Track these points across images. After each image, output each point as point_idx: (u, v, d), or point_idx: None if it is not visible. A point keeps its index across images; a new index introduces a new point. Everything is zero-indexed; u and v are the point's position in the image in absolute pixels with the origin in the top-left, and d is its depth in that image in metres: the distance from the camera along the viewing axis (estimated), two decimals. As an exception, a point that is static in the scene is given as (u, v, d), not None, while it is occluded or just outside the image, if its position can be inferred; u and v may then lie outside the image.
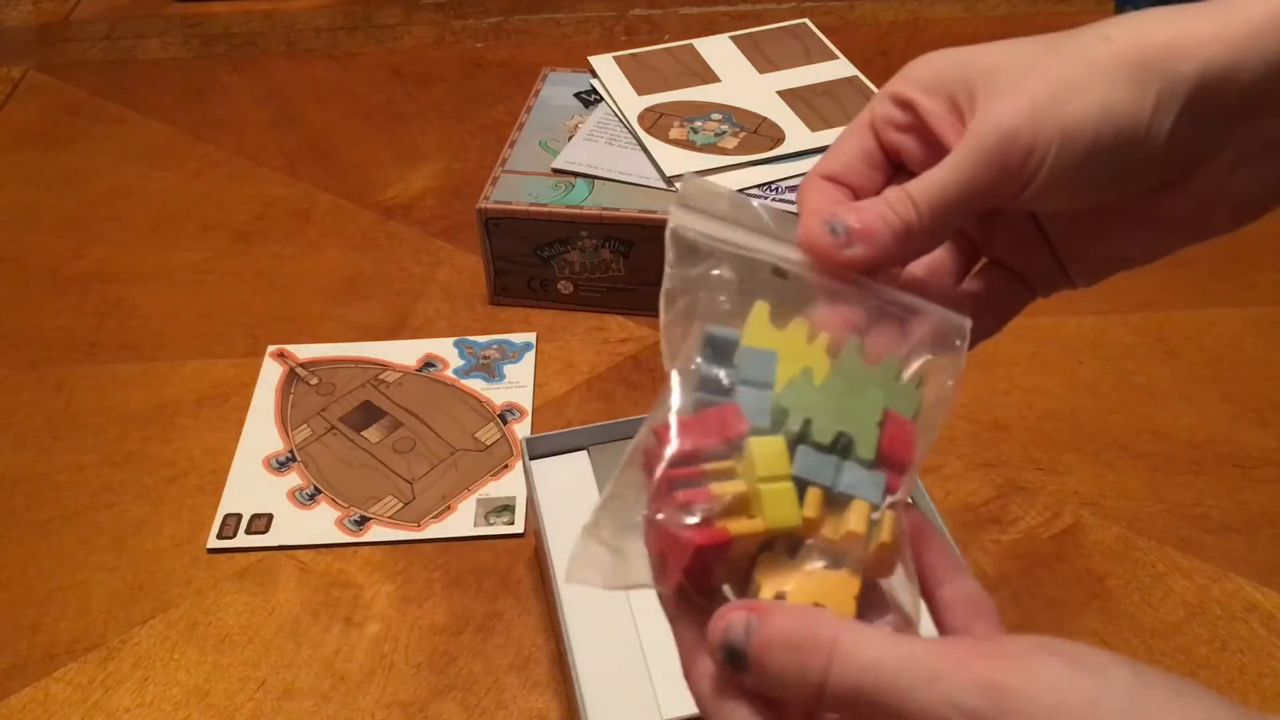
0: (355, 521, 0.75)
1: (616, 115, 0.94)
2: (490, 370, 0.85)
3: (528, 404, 0.82)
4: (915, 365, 0.38)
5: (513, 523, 0.74)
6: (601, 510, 0.36)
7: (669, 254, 0.39)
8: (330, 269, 0.95)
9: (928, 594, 0.38)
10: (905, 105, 0.40)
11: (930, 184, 0.38)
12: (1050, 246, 0.43)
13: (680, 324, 0.38)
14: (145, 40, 1.26)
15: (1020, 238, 0.43)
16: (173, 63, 1.22)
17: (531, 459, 0.67)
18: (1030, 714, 0.30)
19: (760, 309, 0.38)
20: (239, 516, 0.76)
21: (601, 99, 0.97)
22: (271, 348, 0.87)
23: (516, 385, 0.83)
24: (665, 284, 0.38)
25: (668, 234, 0.39)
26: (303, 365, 0.86)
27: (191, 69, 1.20)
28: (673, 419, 0.36)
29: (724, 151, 0.89)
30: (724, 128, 0.91)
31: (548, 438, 0.68)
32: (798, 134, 0.90)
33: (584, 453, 0.68)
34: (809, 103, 0.94)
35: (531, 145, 0.92)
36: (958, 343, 0.39)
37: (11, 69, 1.22)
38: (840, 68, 0.98)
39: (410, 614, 0.70)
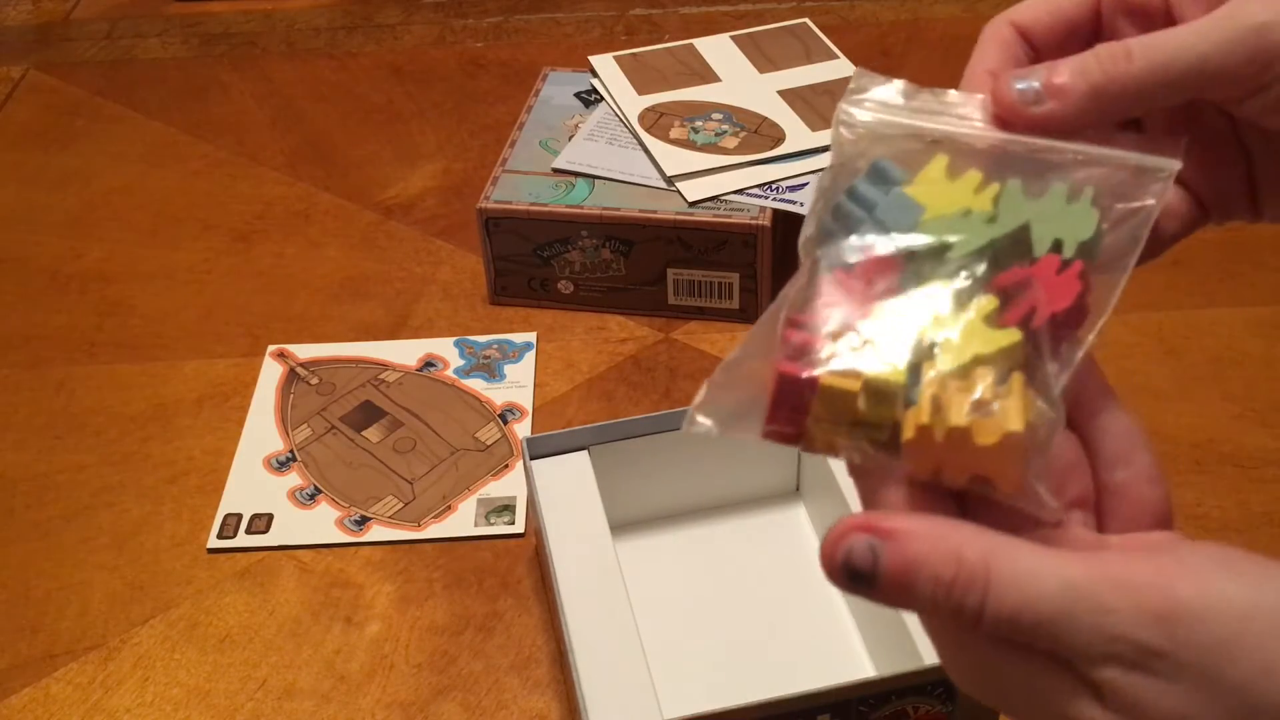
0: (355, 521, 0.75)
1: (617, 115, 0.94)
2: (490, 370, 0.85)
3: (528, 404, 0.82)
4: (1089, 190, 0.35)
5: (513, 523, 0.74)
6: (729, 362, 0.35)
7: (833, 149, 0.37)
8: (330, 269, 0.95)
9: (1087, 422, 0.36)
10: None
11: (1159, 42, 0.34)
12: (1250, 169, 0.39)
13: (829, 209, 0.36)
14: (145, 40, 1.26)
15: (1215, 150, 0.38)
16: (173, 62, 1.22)
17: (532, 459, 0.67)
18: (1206, 646, 0.28)
19: (940, 160, 0.36)
20: (239, 516, 0.76)
21: (602, 99, 0.97)
22: (271, 348, 0.87)
23: (517, 385, 0.83)
24: (822, 180, 0.37)
25: (835, 124, 0.38)
26: (303, 365, 0.86)
27: (191, 69, 1.20)
28: (824, 279, 0.35)
29: (724, 151, 0.89)
30: (724, 127, 0.91)
31: (548, 438, 0.68)
32: (798, 134, 0.90)
33: (584, 453, 0.68)
34: (809, 102, 0.94)
35: (532, 145, 0.92)
36: (1158, 183, 0.36)
37: (11, 69, 1.22)
38: (840, 67, 0.98)
39: (410, 614, 0.70)
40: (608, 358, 0.86)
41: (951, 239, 0.35)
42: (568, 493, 0.66)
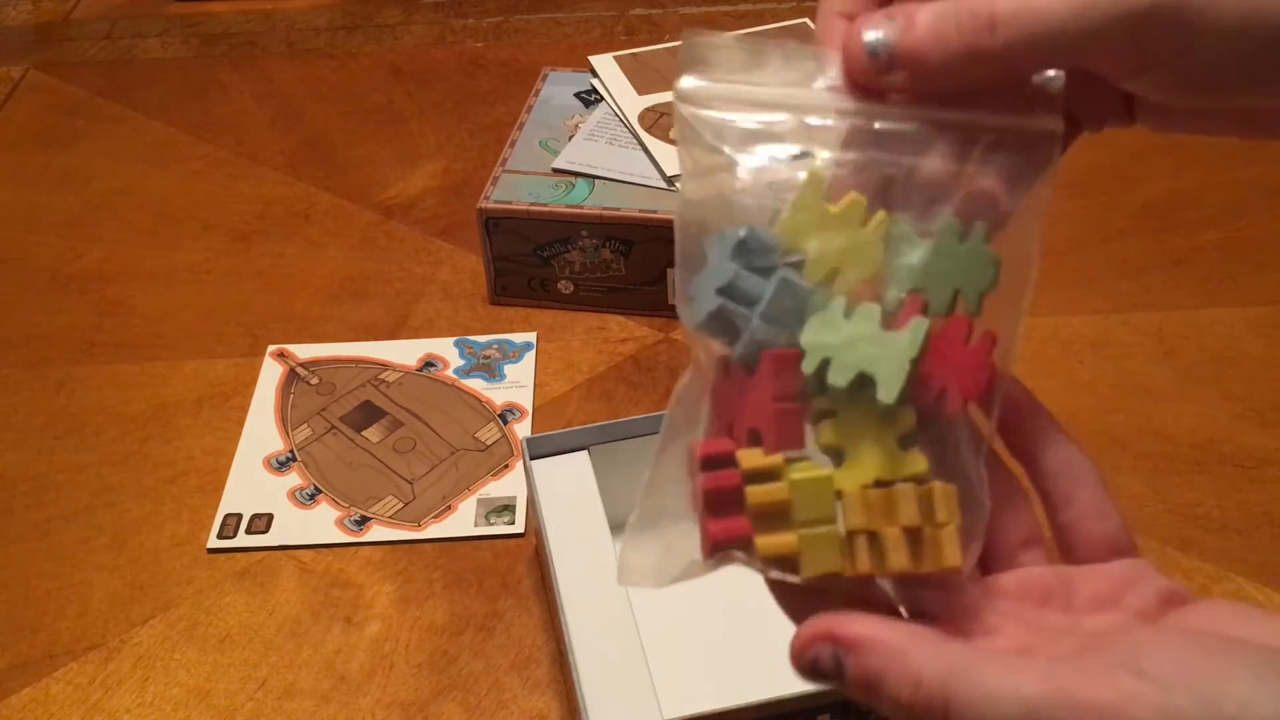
0: (355, 521, 0.75)
1: (617, 115, 0.94)
2: (490, 370, 0.85)
3: (528, 404, 0.82)
4: (980, 227, 0.33)
5: (513, 523, 0.74)
6: (641, 504, 0.34)
7: (682, 161, 0.34)
8: (330, 269, 0.95)
9: (1028, 464, 0.36)
10: None
11: (1029, 13, 0.31)
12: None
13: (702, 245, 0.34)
14: (145, 40, 1.26)
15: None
16: (173, 62, 1.22)
17: (532, 459, 0.67)
18: None
19: (812, 181, 0.34)
20: (239, 516, 0.76)
21: (602, 99, 0.97)
22: (271, 348, 0.87)
23: (517, 385, 0.83)
24: (682, 194, 0.34)
25: (677, 124, 0.34)
26: (303, 365, 0.86)
27: (191, 69, 1.20)
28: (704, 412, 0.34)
29: (724, 151, 0.88)
30: (724, 128, 0.91)
31: (548, 438, 0.68)
32: (798, 134, 0.90)
33: (584, 453, 0.68)
34: (809, 103, 0.94)
35: (532, 145, 0.92)
36: (1043, 159, 0.33)
37: (11, 69, 1.22)
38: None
39: (410, 614, 0.70)
40: (608, 358, 0.86)
41: (848, 330, 0.33)
42: (568, 493, 0.66)
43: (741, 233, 0.33)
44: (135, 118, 1.13)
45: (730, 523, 0.33)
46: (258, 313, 0.91)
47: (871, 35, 0.33)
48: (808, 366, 0.33)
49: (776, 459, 0.33)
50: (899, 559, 0.33)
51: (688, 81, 0.35)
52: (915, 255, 0.33)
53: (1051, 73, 0.34)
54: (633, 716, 0.56)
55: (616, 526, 0.66)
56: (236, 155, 1.08)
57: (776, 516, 0.33)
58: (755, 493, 0.33)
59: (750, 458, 0.33)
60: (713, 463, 0.33)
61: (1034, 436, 0.36)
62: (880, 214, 0.34)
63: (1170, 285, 0.89)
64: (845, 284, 0.34)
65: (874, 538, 0.33)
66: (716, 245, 0.34)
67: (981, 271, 0.34)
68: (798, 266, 0.34)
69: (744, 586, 0.69)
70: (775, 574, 0.33)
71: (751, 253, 0.34)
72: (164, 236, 0.99)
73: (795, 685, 0.56)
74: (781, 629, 0.70)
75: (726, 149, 0.34)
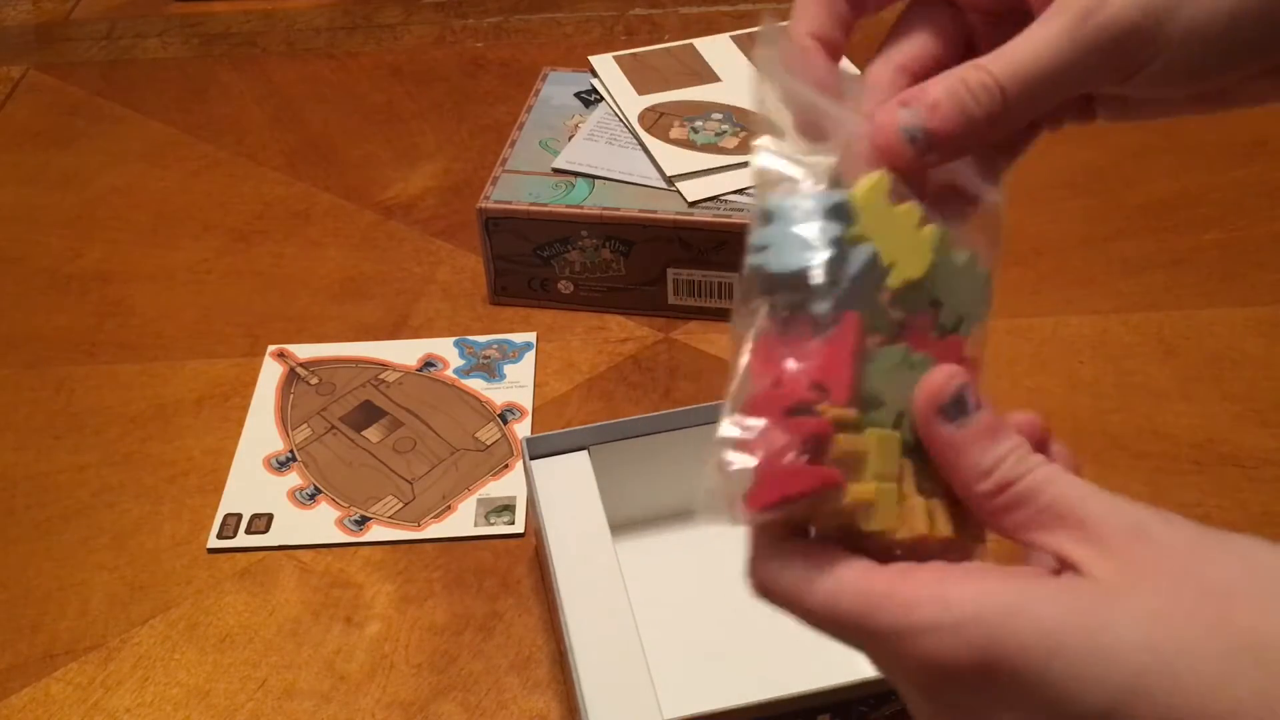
0: (355, 521, 0.75)
1: (617, 115, 0.94)
2: (490, 370, 0.85)
3: (528, 404, 0.82)
4: (976, 257, 0.37)
5: (513, 523, 0.74)
6: (719, 440, 0.34)
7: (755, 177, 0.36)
8: (330, 269, 0.95)
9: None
10: None
11: (1019, 63, 0.34)
12: None
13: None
14: (145, 40, 1.26)
15: None
16: (173, 62, 1.22)
17: (532, 459, 0.67)
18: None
19: (879, 180, 0.35)
20: (239, 516, 0.76)
21: (602, 99, 0.97)
22: (271, 347, 0.87)
23: (517, 385, 0.83)
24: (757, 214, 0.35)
25: (763, 80, 0.36)
26: (303, 365, 0.86)
27: (191, 69, 1.20)
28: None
29: (724, 151, 0.89)
30: (724, 127, 0.91)
31: (548, 438, 0.68)
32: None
33: (584, 453, 0.68)
34: (809, 102, 0.94)
35: (531, 145, 0.92)
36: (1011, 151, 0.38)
37: (11, 69, 1.22)
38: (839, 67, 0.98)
39: (410, 614, 0.70)
40: (608, 358, 0.86)
41: (903, 312, 0.35)
42: (568, 493, 0.66)
43: (837, 198, 0.34)
44: (135, 118, 1.13)
45: (824, 470, 0.33)
46: (258, 313, 0.91)
47: (906, 123, 0.35)
48: (887, 417, 0.35)
49: (852, 413, 0.34)
50: (944, 526, 0.35)
51: (769, 51, 0.37)
52: (948, 272, 0.36)
53: None
54: (633, 716, 0.56)
55: (616, 526, 0.66)
56: (236, 155, 1.08)
57: (853, 467, 0.33)
58: (843, 440, 0.33)
59: (831, 410, 0.33)
60: (800, 409, 0.33)
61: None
62: (931, 225, 0.36)
63: (1170, 285, 0.89)
64: (896, 278, 0.36)
65: (933, 514, 0.35)
66: (797, 203, 0.35)
67: (982, 301, 0.37)
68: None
69: (744, 587, 0.69)
70: (826, 528, 0.34)
71: (838, 221, 0.34)
72: (164, 236, 0.99)
73: (795, 685, 0.56)
74: (781, 629, 0.70)
75: (799, 119, 0.36)
